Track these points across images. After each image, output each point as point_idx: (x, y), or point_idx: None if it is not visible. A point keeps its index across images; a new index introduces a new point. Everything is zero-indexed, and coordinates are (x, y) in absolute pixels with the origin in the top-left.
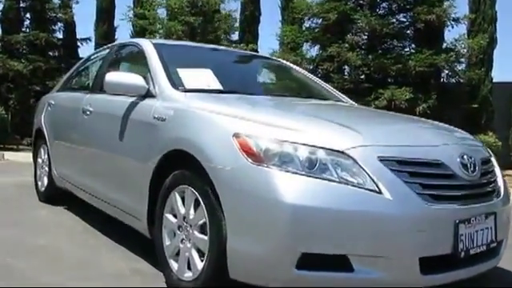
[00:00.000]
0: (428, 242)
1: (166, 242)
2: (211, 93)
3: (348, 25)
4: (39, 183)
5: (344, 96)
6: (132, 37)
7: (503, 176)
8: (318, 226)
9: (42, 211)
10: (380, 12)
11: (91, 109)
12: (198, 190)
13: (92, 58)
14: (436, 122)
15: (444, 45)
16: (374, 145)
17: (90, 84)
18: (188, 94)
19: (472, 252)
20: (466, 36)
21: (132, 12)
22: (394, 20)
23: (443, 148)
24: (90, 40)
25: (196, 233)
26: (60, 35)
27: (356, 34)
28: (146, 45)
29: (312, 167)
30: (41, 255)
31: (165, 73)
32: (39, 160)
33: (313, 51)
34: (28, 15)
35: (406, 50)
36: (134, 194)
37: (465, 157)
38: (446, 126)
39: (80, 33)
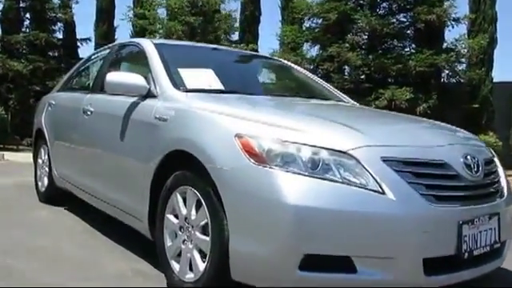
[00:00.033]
0: (432, 243)
1: (168, 242)
2: (213, 93)
3: (348, 25)
4: (39, 184)
5: (345, 96)
6: (132, 37)
7: (506, 176)
8: (321, 227)
9: (42, 212)
10: (380, 12)
11: (92, 109)
12: (199, 190)
13: (92, 57)
14: (438, 122)
15: (444, 45)
16: (377, 145)
17: (91, 84)
18: (189, 94)
19: (476, 253)
20: (466, 36)
21: (132, 12)
22: (395, 20)
23: (446, 148)
24: (90, 40)
25: (198, 234)
26: (60, 35)
27: (356, 34)
28: (147, 45)
29: (315, 168)
30: (41, 256)
31: (166, 73)
32: (39, 160)
33: (313, 51)
34: (28, 15)
35: (406, 50)
36: (135, 195)
37: (468, 157)
38: (449, 126)
39: (80, 33)
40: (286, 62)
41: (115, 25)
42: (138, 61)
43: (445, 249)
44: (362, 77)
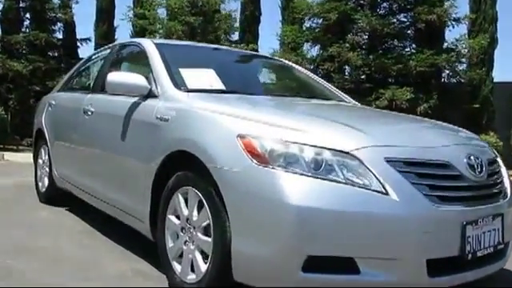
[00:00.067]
0: (435, 244)
1: (169, 243)
2: (214, 93)
3: (349, 25)
4: (40, 184)
5: (347, 96)
6: (132, 37)
7: (509, 176)
8: (324, 228)
9: (42, 212)
10: (381, 12)
11: (92, 109)
12: (201, 191)
13: (93, 57)
14: (440, 122)
15: (445, 45)
16: (380, 145)
17: (91, 84)
18: (191, 94)
19: (479, 254)
20: (466, 36)
21: (132, 12)
22: (395, 20)
23: (450, 149)
24: (90, 40)
25: (199, 234)
26: (60, 35)
27: (357, 34)
28: (148, 45)
29: (318, 168)
30: (41, 256)
31: (167, 73)
32: (40, 161)
33: (313, 51)
34: (28, 15)
35: (406, 50)
36: (136, 195)
37: (472, 157)
38: (451, 126)
39: (80, 33)
40: (287, 62)
41: (115, 25)
42: (139, 61)
43: (448, 250)
44: (363, 77)
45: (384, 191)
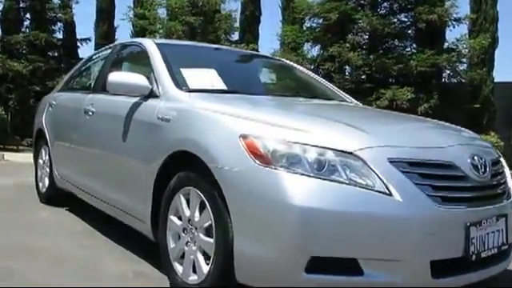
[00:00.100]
0: (439, 245)
1: (171, 244)
2: (215, 93)
3: (349, 25)
4: (40, 184)
5: (348, 96)
6: (132, 37)
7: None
8: (327, 229)
9: (43, 212)
10: (381, 12)
11: (93, 109)
12: (203, 191)
13: (94, 57)
14: (442, 122)
15: (445, 45)
16: (383, 146)
17: (92, 84)
18: (192, 94)
19: (483, 255)
20: (467, 36)
21: (132, 12)
22: (396, 20)
23: (453, 149)
24: (90, 40)
25: (201, 235)
26: (60, 35)
27: (357, 34)
28: (149, 44)
29: (321, 169)
30: (42, 256)
31: (168, 73)
32: (40, 161)
33: (314, 51)
34: (28, 15)
35: (407, 49)
36: (137, 196)
37: (475, 158)
38: (453, 126)
39: (80, 33)
40: (288, 61)
41: (115, 25)
42: (140, 61)
43: (452, 251)
44: (363, 77)
45: (387, 192)
